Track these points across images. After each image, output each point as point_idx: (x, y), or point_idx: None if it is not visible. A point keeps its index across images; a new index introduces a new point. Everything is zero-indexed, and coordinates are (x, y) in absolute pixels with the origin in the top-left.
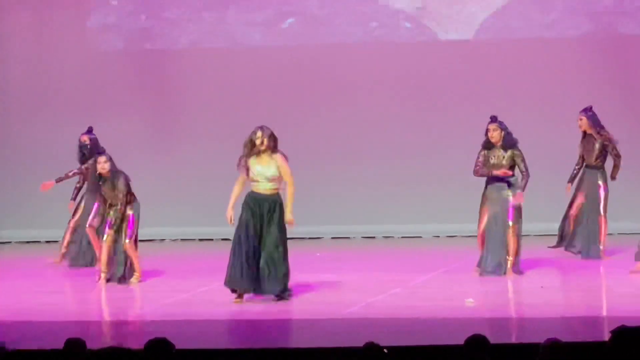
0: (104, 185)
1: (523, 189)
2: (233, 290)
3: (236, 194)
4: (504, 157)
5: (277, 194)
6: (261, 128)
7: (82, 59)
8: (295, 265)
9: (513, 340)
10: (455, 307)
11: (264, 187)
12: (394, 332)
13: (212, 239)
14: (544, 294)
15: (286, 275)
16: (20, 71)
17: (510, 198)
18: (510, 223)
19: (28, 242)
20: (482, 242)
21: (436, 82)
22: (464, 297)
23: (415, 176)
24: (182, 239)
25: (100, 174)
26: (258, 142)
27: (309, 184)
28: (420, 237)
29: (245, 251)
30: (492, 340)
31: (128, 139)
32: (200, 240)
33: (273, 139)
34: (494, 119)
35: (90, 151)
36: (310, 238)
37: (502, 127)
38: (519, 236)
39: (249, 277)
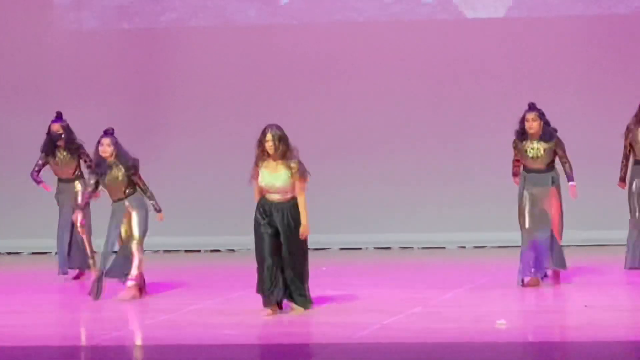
0: (105, 175)
1: (573, 178)
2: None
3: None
4: (544, 150)
5: (291, 200)
6: (270, 128)
7: (49, 41)
8: None
9: None
10: (484, 330)
11: (275, 197)
12: (413, 358)
13: (199, 250)
14: (588, 314)
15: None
16: None
17: (550, 196)
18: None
19: None
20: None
21: (462, 66)
22: (494, 318)
23: (437, 176)
24: (164, 250)
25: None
26: (267, 145)
27: (313, 186)
28: (444, 247)
29: (269, 267)
30: None
31: (97, 130)
32: (187, 251)
33: (284, 141)
34: (532, 107)
35: (66, 141)
36: (315, 249)
37: (541, 116)
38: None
39: (279, 288)
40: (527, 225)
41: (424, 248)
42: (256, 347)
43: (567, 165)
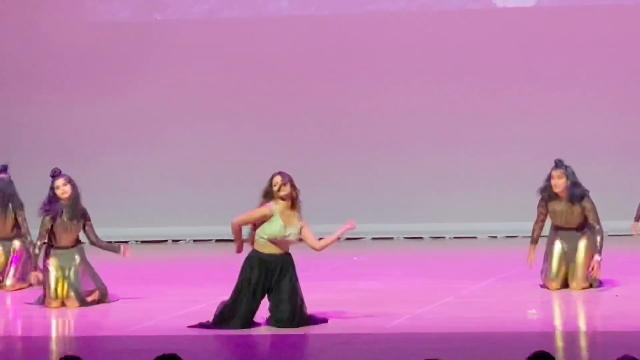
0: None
1: (600, 251)
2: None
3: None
4: (572, 212)
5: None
6: (280, 174)
7: (81, 32)
8: (331, 271)
9: (583, 357)
10: (515, 320)
11: (276, 251)
12: (445, 348)
13: (231, 240)
14: (619, 304)
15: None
16: (8, 45)
17: (581, 249)
18: (580, 277)
19: None
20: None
21: (492, 57)
22: (525, 308)
23: (468, 166)
24: (194, 240)
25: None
26: (284, 191)
27: (345, 176)
28: (475, 237)
29: (245, 308)
30: (559, 357)
31: (130, 122)
32: (217, 241)
33: (296, 189)
34: (558, 164)
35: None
36: (347, 239)
37: (568, 174)
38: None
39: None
40: (551, 278)
41: (455, 238)
42: (288, 337)
43: (597, 230)
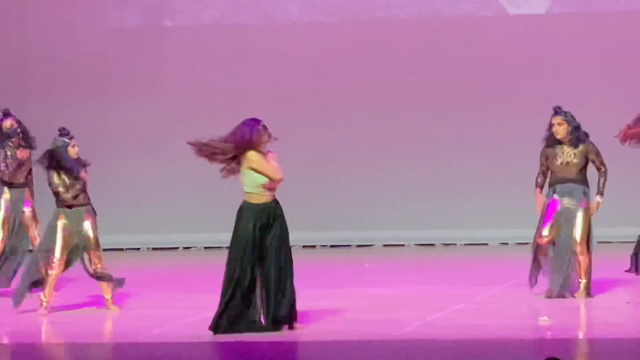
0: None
1: (602, 193)
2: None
3: None
4: (574, 155)
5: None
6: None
7: (93, 37)
8: (342, 277)
9: None
10: (526, 327)
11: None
12: (456, 355)
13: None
14: (631, 311)
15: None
16: (19, 51)
17: (580, 211)
18: (579, 239)
19: None
20: (543, 255)
21: (504, 63)
22: (537, 314)
23: (480, 173)
24: (205, 247)
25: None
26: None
27: (356, 183)
28: (486, 244)
29: (241, 290)
30: None
31: (141, 128)
32: (228, 248)
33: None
34: (557, 111)
35: (23, 136)
36: (358, 246)
37: (569, 120)
38: (590, 254)
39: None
40: (546, 240)
41: (466, 245)
42: (297, 344)
43: (602, 172)
